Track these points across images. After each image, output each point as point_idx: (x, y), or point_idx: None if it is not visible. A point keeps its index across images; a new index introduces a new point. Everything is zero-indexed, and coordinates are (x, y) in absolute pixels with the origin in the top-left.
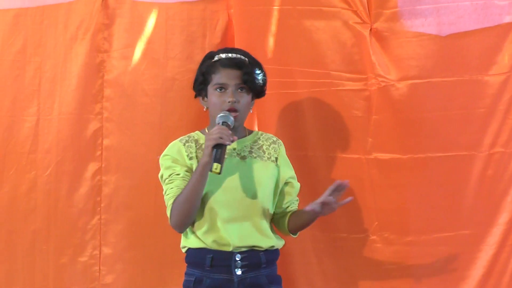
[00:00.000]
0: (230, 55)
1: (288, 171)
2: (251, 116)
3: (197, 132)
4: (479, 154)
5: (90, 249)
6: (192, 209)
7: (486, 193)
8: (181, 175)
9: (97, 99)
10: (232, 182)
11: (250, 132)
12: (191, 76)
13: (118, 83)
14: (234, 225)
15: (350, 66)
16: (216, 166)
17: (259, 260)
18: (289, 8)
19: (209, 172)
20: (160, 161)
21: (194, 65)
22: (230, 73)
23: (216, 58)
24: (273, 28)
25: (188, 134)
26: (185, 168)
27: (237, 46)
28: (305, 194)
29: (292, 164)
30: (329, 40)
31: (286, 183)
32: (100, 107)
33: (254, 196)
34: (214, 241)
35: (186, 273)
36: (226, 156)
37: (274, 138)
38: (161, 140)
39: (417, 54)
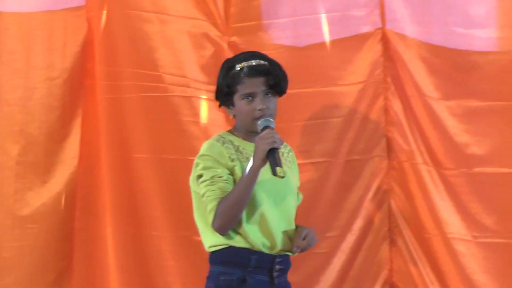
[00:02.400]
0: (251, 62)
1: (298, 180)
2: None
3: (225, 133)
4: (336, 161)
5: None
6: (240, 212)
7: (342, 199)
8: (224, 178)
9: None
10: (275, 187)
11: None
12: (51, 85)
13: None
14: (279, 229)
15: (209, 77)
16: (279, 170)
17: (289, 265)
18: (149, 15)
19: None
20: (197, 160)
21: (55, 73)
22: (256, 81)
23: (237, 68)
24: (135, 33)
25: (218, 134)
26: (227, 171)
27: (96, 51)
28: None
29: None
30: (189, 49)
31: (298, 192)
32: None
33: (291, 201)
34: (263, 244)
35: (222, 272)
36: None
37: (289, 147)
38: (21, 148)
39: None
